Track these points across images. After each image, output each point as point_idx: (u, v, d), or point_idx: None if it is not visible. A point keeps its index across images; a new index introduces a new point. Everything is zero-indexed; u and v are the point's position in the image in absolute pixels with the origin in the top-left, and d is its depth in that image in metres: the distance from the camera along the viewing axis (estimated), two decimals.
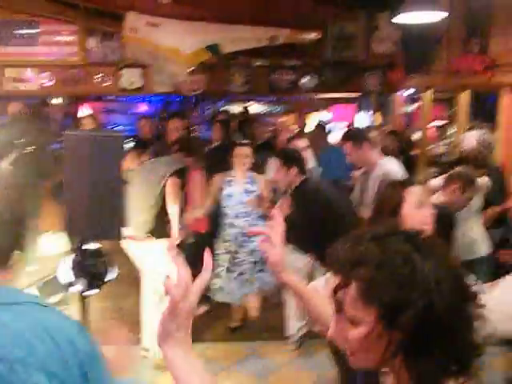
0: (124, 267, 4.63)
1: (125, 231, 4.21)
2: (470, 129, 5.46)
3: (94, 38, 6.76)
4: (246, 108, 10.92)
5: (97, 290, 2.12)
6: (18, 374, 1.11)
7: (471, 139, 4.62)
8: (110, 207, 2.12)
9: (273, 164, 4.69)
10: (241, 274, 4.79)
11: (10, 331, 1.15)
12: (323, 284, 2.37)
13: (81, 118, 7.83)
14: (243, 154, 4.84)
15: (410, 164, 6.16)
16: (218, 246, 4.86)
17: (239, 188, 4.82)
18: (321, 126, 7.37)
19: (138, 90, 7.22)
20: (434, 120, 7.78)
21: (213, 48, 5.72)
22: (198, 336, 4.85)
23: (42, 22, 6.58)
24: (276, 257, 1.62)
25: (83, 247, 2.17)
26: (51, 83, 6.78)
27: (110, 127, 10.91)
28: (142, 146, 6.52)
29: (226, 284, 4.77)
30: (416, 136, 7.43)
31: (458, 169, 4.05)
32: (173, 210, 4.35)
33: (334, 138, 8.10)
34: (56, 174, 3.15)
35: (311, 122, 8.52)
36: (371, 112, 9.29)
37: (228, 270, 4.79)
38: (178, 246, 4.37)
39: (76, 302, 2.27)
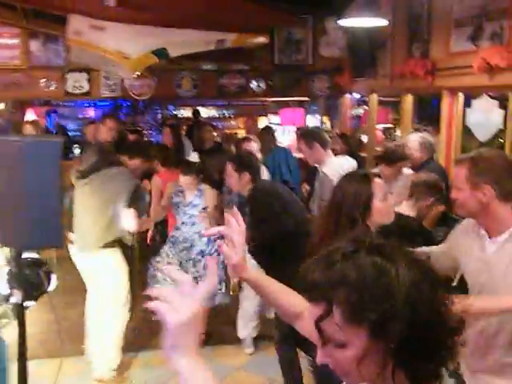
0: (71, 275, 4.55)
1: (71, 239, 4.16)
2: (415, 131, 5.63)
3: (37, 41, 6.60)
4: (195, 112, 10.88)
5: (33, 302, 2.05)
6: None
7: (414, 141, 4.74)
8: (49, 214, 2.05)
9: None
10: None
11: None
12: None
13: (23, 123, 7.63)
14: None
15: (358, 166, 6.27)
16: (162, 255, 4.80)
17: (186, 200, 4.80)
18: (268, 128, 7.39)
19: (84, 94, 7.10)
20: (380, 123, 7.94)
21: (160, 52, 5.65)
22: (144, 343, 4.81)
23: None
24: (237, 259, 1.57)
25: (20, 257, 2.10)
26: None
27: (56, 132, 10.66)
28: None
29: None
30: (364, 138, 7.56)
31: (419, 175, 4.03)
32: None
33: (284, 141, 8.16)
34: None
35: (260, 126, 8.55)
36: (320, 115, 9.40)
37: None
38: None
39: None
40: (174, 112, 12.95)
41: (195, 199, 4.78)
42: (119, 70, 6.02)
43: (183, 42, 5.75)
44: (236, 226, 1.58)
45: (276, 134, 6.82)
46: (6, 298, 2.13)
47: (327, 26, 6.97)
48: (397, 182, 4.33)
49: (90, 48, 5.67)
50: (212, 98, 9.31)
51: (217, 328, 5.00)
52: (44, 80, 6.78)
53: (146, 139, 9.33)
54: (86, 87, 6.95)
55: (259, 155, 5.15)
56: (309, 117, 9.57)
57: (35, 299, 2.07)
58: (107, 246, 4.07)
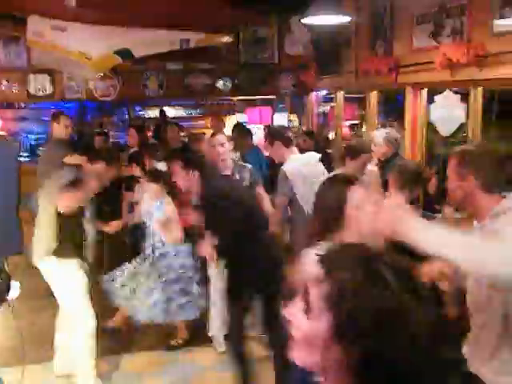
0: (38, 280, 4.44)
1: (35, 245, 4.06)
2: (380, 127, 5.69)
3: None
4: (162, 112, 10.80)
5: None
6: None
7: (380, 137, 4.80)
8: (5, 220, 2.00)
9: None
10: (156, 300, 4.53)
11: None
12: None
13: None
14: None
15: (326, 162, 6.31)
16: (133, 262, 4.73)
17: (145, 208, 4.75)
18: (239, 125, 7.33)
19: (48, 96, 6.99)
20: (347, 119, 8.00)
21: (123, 52, 5.59)
22: (116, 349, 4.75)
23: None
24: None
25: None
26: None
27: (20, 135, 10.47)
28: None
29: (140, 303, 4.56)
30: (331, 135, 7.61)
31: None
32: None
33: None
34: None
35: (228, 124, 8.53)
36: (287, 113, 9.43)
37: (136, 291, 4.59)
38: None
39: None
40: (142, 113, 12.84)
41: (153, 210, 4.66)
42: (82, 71, 5.94)
43: (147, 41, 5.70)
44: None
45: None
46: None
47: (292, 24, 6.98)
48: (362, 177, 4.38)
49: (51, 49, 5.58)
50: (179, 97, 9.27)
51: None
52: (6, 82, 6.66)
53: (112, 141, 9.25)
54: (49, 89, 6.85)
55: (234, 154, 5.12)
56: (276, 115, 9.59)
57: None
58: (58, 253, 3.96)
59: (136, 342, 4.90)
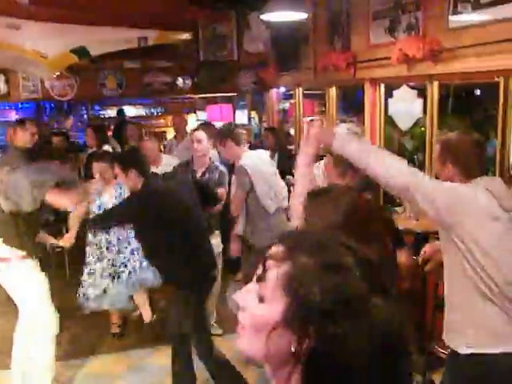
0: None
1: None
2: (340, 122, 5.74)
3: None
4: (119, 111, 10.66)
5: None
6: None
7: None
8: None
9: None
10: (118, 276, 4.53)
11: None
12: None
13: None
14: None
15: (287, 158, 6.36)
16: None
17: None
18: (208, 124, 7.26)
19: (2, 97, 6.83)
20: (307, 115, 8.05)
21: (80, 51, 5.48)
22: (81, 352, 4.68)
23: None
24: None
25: None
26: None
27: None
28: None
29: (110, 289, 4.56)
30: (292, 131, 7.64)
31: None
32: None
33: None
34: None
35: (190, 123, 8.49)
36: (247, 110, 9.44)
37: (103, 276, 4.58)
38: None
39: None
40: (102, 112, 12.66)
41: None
42: (38, 70, 5.80)
43: (103, 40, 5.59)
44: None
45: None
46: None
47: (251, 21, 6.98)
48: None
49: (6, 48, 5.43)
50: (138, 96, 9.17)
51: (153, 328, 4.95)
52: None
53: (71, 141, 9.08)
54: (3, 89, 6.70)
55: (212, 153, 5.09)
56: (237, 112, 9.58)
57: None
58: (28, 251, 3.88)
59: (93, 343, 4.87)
